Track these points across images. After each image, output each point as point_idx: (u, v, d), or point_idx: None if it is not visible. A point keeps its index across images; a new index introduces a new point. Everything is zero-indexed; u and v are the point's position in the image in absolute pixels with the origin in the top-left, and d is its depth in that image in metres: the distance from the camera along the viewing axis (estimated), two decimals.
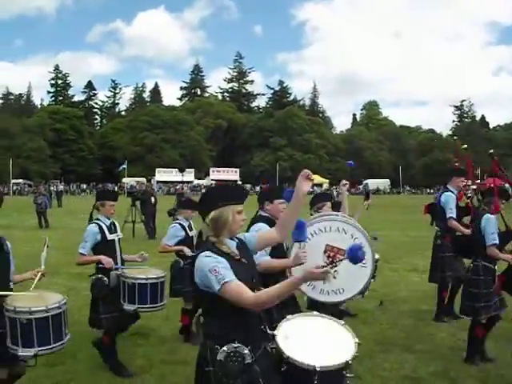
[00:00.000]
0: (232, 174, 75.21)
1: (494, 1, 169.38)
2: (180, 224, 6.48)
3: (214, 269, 2.61)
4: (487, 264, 5.53)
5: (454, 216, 7.00)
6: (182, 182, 38.20)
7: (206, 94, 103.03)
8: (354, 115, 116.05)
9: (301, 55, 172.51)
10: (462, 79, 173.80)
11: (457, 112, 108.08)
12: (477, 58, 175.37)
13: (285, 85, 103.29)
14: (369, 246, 4.56)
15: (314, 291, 4.62)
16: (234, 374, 2.63)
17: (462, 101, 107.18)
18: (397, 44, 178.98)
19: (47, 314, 3.93)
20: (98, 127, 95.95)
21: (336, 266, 3.43)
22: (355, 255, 2.68)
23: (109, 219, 5.46)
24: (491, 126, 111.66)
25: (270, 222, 4.32)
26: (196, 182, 69.82)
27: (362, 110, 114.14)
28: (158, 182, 66.88)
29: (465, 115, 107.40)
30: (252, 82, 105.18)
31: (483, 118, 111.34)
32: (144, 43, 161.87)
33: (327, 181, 74.61)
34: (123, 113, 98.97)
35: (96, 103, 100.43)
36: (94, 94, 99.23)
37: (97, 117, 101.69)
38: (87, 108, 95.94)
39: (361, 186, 75.18)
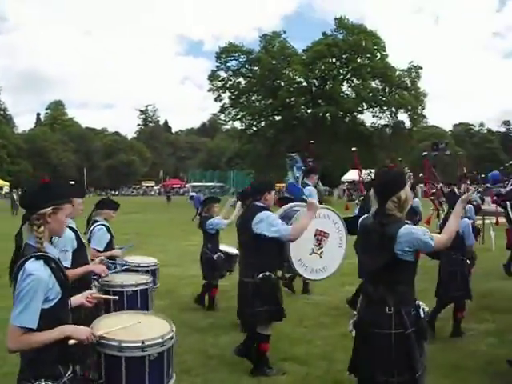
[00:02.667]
0: None
1: (184, 16, 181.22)
2: (104, 225, 5.71)
3: (425, 232, 3.10)
4: None
5: None
6: None
7: None
8: (39, 115, 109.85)
9: None
10: (150, 85, 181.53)
11: (142, 116, 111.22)
12: (166, 67, 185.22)
13: None
14: (344, 227, 5.54)
15: (306, 271, 5.31)
16: (425, 327, 3.25)
17: (147, 105, 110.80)
18: (88, 45, 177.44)
19: (143, 354, 2.80)
20: None
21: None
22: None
23: None
24: (174, 131, 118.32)
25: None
26: None
27: (46, 109, 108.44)
28: None
29: (149, 119, 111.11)
30: None
31: (166, 122, 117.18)
32: None
33: (8, 184, 68.68)
34: None
35: None
36: None
37: None
38: None
39: None
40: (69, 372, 2.64)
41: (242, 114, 49.61)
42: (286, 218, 5.27)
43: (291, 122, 46.26)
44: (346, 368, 5.22)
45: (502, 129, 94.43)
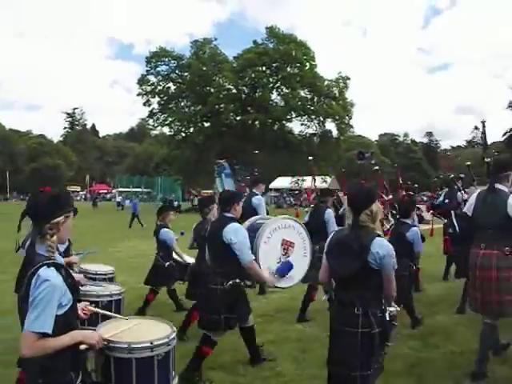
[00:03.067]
0: None
1: (115, 19, 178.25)
2: None
3: (394, 255, 3.51)
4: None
5: None
6: None
7: None
8: None
9: None
10: (78, 87, 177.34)
11: (69, 119, 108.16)
12: (95, 69, 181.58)
13: None
14: (307, 237, 5.81)
15: (276, 279, 5.44)
16: (389, 330, 3.59)
17: (75, 108, 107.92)
18: (15, 45, 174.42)
19: (152, 354, 2.91)
20: None
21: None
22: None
23: None
24: (101, 135, 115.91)
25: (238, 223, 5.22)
26: None
27: None
28: None
29: (76, 123, 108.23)
30: None
31: (94, 126, 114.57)
32: None
33: None
34: None
35: None
36: None
37: None
38: None
39: None
40: (79, 379, 2.67)
41: (170, 119, 49.15)
42: (252, 230, 5.41)
43: (220, 129, 46.34)
44: (273, 375, 5.24)
45: (425, 140, 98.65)
